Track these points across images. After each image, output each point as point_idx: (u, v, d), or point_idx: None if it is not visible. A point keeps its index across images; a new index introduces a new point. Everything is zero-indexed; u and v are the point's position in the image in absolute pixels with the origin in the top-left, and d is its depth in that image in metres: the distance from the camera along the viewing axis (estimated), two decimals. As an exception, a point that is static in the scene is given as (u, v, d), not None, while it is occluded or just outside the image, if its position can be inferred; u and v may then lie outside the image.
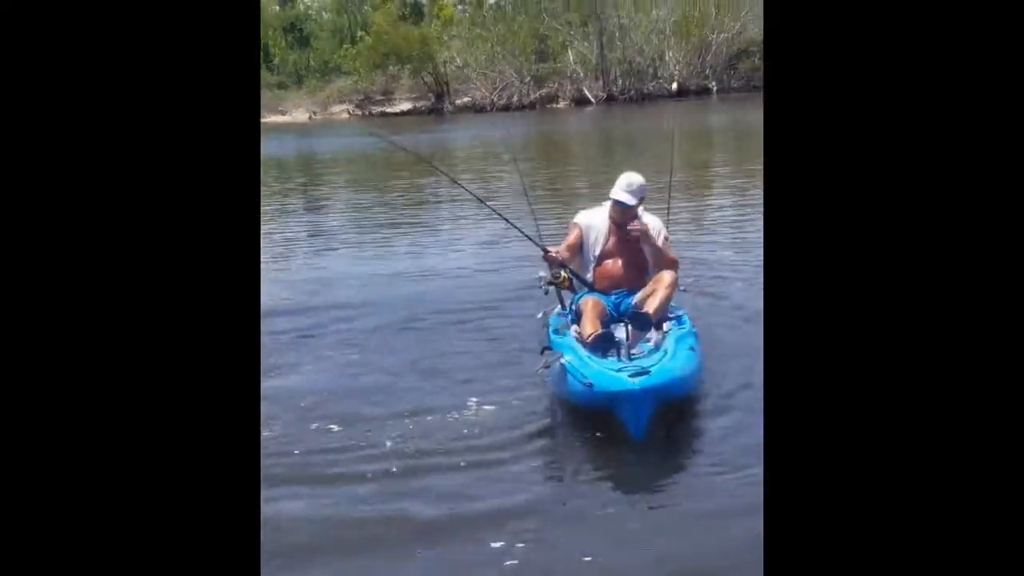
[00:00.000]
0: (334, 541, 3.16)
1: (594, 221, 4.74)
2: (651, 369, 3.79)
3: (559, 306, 4.87)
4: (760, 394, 4.11)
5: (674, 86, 33.07)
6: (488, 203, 5.20)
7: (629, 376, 3.72)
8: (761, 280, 6.42)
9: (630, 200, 4.54)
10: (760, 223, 8.86)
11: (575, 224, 4.79)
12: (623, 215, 4.61)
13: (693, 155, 14.44)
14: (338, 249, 9.15)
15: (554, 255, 4.61)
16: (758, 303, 5.91)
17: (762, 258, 7.18)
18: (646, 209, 4.77)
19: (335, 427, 4.11)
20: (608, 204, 4.66)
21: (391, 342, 5.58)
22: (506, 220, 5.07)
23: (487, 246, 8.49)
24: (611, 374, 3.81)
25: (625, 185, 4.57)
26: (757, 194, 11.24)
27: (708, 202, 10.63)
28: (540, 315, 5.02)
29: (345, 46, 36.58)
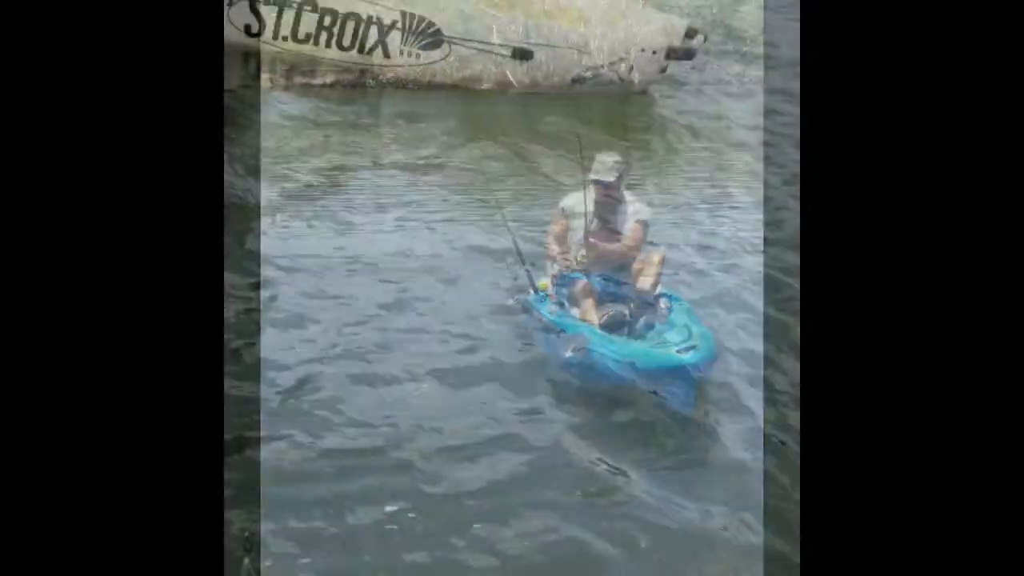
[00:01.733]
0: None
1: (579, 204, 4.95)
2: (696, 344, 3.85)
3: (532, 291, 5.02)
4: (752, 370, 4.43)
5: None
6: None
7: (676, 352, 3.79)
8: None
9: (609, 177, 4.81)
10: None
11: (561, 209, 5.07)
12: (606, 193, 4.90)
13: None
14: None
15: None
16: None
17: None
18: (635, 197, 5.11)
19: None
20: (592, 188, 4.88)
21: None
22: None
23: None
24: (654, 351, 3.87)
25: (600, 165, 4.86)
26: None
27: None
28: (512, 301, 5.17)
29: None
